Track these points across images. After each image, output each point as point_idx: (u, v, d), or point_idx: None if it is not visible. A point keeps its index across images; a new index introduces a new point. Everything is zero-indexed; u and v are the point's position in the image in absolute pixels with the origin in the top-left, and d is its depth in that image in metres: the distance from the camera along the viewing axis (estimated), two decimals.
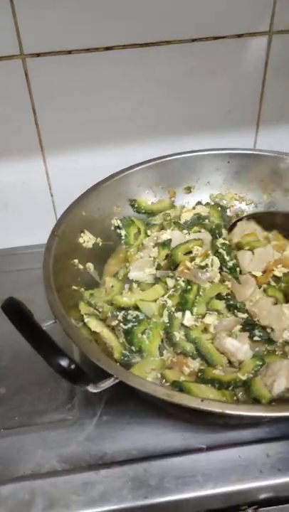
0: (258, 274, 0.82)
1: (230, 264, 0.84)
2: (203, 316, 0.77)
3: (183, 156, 1.01)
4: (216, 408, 0.56)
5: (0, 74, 0.95)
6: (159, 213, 1.00)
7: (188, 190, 1.04)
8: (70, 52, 0.98)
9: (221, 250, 0.85)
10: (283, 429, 0.75)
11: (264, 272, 0.83)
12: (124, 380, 0.60)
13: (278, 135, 1.18)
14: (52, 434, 0.77)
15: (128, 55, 1.00)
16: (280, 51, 1.05)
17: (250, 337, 0.76)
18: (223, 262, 0.84)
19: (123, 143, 1.12)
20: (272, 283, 0.81)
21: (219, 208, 1.00)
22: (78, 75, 1.01)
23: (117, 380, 0.60)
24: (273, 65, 1.07)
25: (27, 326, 0.59)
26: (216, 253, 0.85)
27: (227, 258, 0.84)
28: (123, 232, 0.96)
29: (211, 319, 0.75)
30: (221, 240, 0.88)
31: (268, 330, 0.77)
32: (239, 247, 0.89)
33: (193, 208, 0.99)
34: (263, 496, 0.72)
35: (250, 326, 0.77)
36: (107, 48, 1.00)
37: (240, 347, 0.73)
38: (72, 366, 0.54)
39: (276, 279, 0.81)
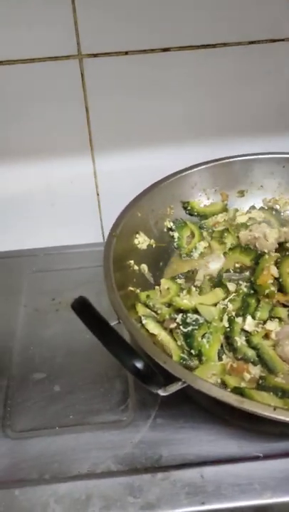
0: None
1: None
2: (265, 322, 0.76)
3: (238, 159, 1.00)
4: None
5: (56, 74, 0.96)
6: (212, 216, 0.99)
7: (242, 193, 1.03)
8: (126, 53, 0.98)
9: None
10: None
11: None
12: (191, 383, 0.59)
13: None
14: (106, 434, 0.77)
15: (185, 57, 1.00)
16: None
17: None
18: None
19: (174, 144, 1.12)
20: None
21: (274, 212, 0.98)
22: (133, 75, 1.01)
23: (185, 384, 0.60)
24: None
25: (99, 325, 0.59)
26: None
27: None
28: (176, 235, 0.95)
29: (273, 325, 0.75)
30: None
31: None
32: None
33: (248, 212, 0.98)
34: None
35: None
36: (164, 50, 0.99)
37: None
38: (147, 368, 0.54)
39: None
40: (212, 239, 0.94)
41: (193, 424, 0.78)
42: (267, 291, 0.80)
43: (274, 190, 1.03)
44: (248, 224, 0.95)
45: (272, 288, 0.80)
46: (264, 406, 0.56)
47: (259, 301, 0.80)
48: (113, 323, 0.69)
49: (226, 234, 0.93)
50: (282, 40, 1.01)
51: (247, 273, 0.82)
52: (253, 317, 0.77)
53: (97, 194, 1.19)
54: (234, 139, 1.12)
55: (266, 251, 0.88)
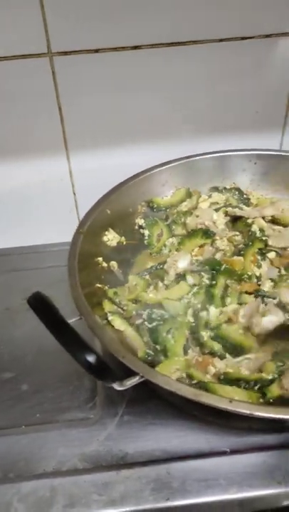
0: (272, 256, 0.85)
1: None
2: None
3: (209, 156, 1.00)
4: (245, 409, 0.55)
5: (27, 72, 0.95)
6: (177, 206, 0.99)
7: (214, 190, 1.02)
8: (97, 50, 0.98)
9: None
10: None
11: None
12: (149, 378, 0.59)
13: None
14: (73, 432, 0.76)
15: (155, 55, 1.00)
16: None
17: None
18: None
19: (148, 142, 1.12)
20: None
21: (237, 193, 0.99)
22: (105, 73, 1.01)
23: (142, 379, 0.60)
24: None
25: (53, 320, 0.59)
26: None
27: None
28: (146, 232, 0.95)
29: (232, 307, 0.75)
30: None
31: None
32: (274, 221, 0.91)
33: (209, 197, 0.98)
34: (286, 503, 0.70)
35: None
36: (135, 47, 0.99)
37: (278, 318, 0.72)
38: (99, 362, 0.54)
39: None
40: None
41: (161, 420, 0.77)
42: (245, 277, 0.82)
43: (246, 187, 1.03)
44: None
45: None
46: (220, 399, 0.56)
47: (226, 289, 0.81)
48: (74, 319, 0.69)
49: (174, 226, 0.93)
50: (252, 37, 1.02)
51: (206, 267, 0.81)
52: (223, 304, 0.77)
53: (74, 193, 1.19)
54: (208, 136, 1.12)
55: (218, 238, 0.88)
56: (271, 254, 0.86)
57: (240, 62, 1.04)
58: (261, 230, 0.88)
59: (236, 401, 0.55)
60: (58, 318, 0.59)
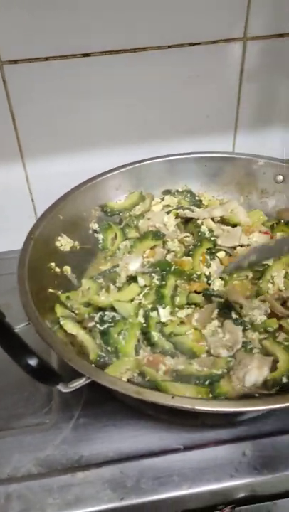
0: (222, 255, 0.88)
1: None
2: (181, 308, 0.79)
3: (160, 160, 1.02)
4: (187, 404, 0.56)
5: None
6: (131, 210, 1.00)
7: (167, 193, 1.04)
8: (46, 59, 0.99)
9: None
10: (260, 427, 0.75)
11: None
12: (95, 379, 0.60)
13: (256, 138, 1.20)
14: (28, 438, 0.76)
15: (105, 62, 1.01)
16: (255, 57, 1.07)
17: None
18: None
19: (103, 147, 1.13)
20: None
21: (188, 195, 1.01)
22: (56, 81, 1.02)
23: (89, 380, 0.60)
24: (249, 70, 1.09)
25: None
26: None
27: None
28: (100, 236, 0.96)
29: (184, 313, 0.77)
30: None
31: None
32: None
33: (162, 199, 1.00)
34: (239, 495, 0.71)
35: (226, 308, 0.79)
36: (85, 55, 1.01)
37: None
38: (41, 365, 0.54)
39: None
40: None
41: (116, 422, 0.78)
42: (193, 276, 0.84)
43: (198, 189, 1.05)
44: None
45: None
46: (162, 395, 0.57)
47: (175, 289, 0.82)
48: (23, 324, 0.69)
49: (127, 230, 0.94)
50: (200, 43, 1.04)
51: (157, 268, 0.83)
52: (172, 304, 0.78)
53: (32, 200, 1.19)
54: (161, 141, 1.14)
55: (169, 239, 0.90)
56: (221, 254, 0.89)
57: (189, 67, 1.07)
58: (210, 231, 0.90)
59: (179, 397, 0.57)
60: (2, 324, 0.59)
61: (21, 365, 0.54)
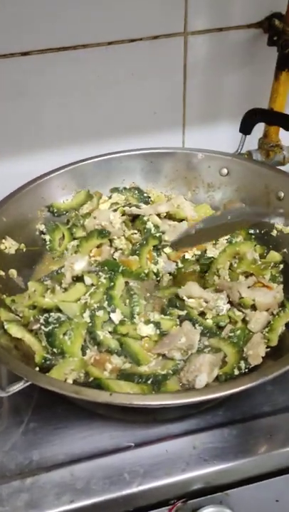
0: (168, 251, 0.88)
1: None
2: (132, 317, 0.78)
3: (106, 157, 1.01)
4: (124, 400, 0.55)
5: None
6: (79, 209, 0.99)
7: (115, 191, 1.04)
8: None
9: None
10: (209, 420, 0.75)
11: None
12: (33, 381, 0.59)
13: (204, 133, 1.21)
14: None
15: (46, 60, 1.00)
16: (197, 51, 1.08)
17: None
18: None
19: (48, 147, 1.12)
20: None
21: (136, 192, 1.01)
22: None
23: (27, 383, 0.60)
24: (191, 65, 1.10)
25: None
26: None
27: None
28: (47, 238, 0.95)
29: (147, 330, 0.76)
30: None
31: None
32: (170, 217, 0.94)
33: (110, 198, 0.99)
34: (191, 488, 0.72)
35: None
36: (24, 54, 0.99)
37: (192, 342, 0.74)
38: None
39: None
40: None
41: (67, 423, 0.77)
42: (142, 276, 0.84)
43: (146, 186, 1.05)
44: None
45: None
46: (100, 393, 0.57)
47: (128, 292, 0.82)
48: None
49: (74, 229, 0.94)
50: (140, 39, 1.04)
51: (105, 268, 0.82)
52: (124, 305, 0.78)
53: None
54: (107, 139, 1.14)
55: (116, 237, 0.90)
56: (167, 250, 0.89)
57: (131, 64, 1.07)
58: (156, 227, 0.90)
59: (116, 393, 0.56)
60: None
61: None
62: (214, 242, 0.89)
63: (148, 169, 1.04)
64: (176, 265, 0.87)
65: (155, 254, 0.87)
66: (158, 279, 0.86)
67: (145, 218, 0.90)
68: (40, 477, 0.71)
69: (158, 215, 0.92)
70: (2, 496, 0.69)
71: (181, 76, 1.12)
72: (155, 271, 0.86)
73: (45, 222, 0.96)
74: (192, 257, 0.89)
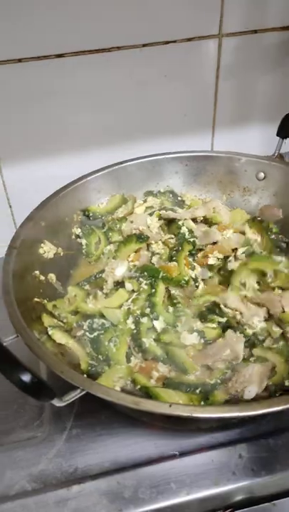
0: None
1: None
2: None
3: (141, 160, 1.01)
4: (184, 412, 0.55)
5: None
6: (113, 213, 0.98)
7: (149, 194, 1.03)
8: (20, 60, 0.97)
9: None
10: (254, 429, 0.75)
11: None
12: (89, 390, 0.58)
13: (234, 136, 1.20)
14: (20, 453, 0.74)
15: (80, 62, 1.00)
16: (231, 54, 1.07)
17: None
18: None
19: (81, 150, 1.11)
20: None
21: (171, 195, 1.01)
22: (30, 83, 0.99)
23: (83, 392, 0.59)
24: (225, 67, 1.09)
25: None
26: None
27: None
28: (84, 242, 0.94)
29: (191, 339, 0.74)
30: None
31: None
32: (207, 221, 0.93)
33: (145, 201, 0.98)
34: (237, 498, 0.71)
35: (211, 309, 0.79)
36: (59, 56, 0.99)
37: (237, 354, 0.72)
38: (35, 380, 0.52)
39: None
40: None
41: (110, 430, 0.76)
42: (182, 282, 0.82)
43: (180, 189, 1.04)
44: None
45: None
46: (159, 404, 0.56)
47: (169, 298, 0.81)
48: (12, 337, 0.67)
49: (110, 233, 0.93)
50: (174, 41, 1.03)
51: (144, 273, 0.81)
52: (167, 312, 0.77)
53: (10, 206, 1.16)
54: (139, 141, 1.13)
55: (153, 242, 0.89)
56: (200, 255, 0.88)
57: (165, 66, 1.06)
58: (190, 231, 0.88)
59: (176, 404, 0.56)
60: None
61: (14, 381, 0.52)
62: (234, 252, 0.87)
63: (183, 172, 1.03)
64: (210, 271, 0.86)
65: (191, 259, 0.86)
66: (196, 285, 0.85)
67: (180, 223, 0.89)
68: (86, 485, 0.70)
69: (194, 219, 0.91)
70: (49, 505, 0.68)
71: (214, 78, 1.11)
72: (193, 276, 0.85)
73: (81, 226, 0.95)
74: (217, 261, 0.87)
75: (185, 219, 0.92)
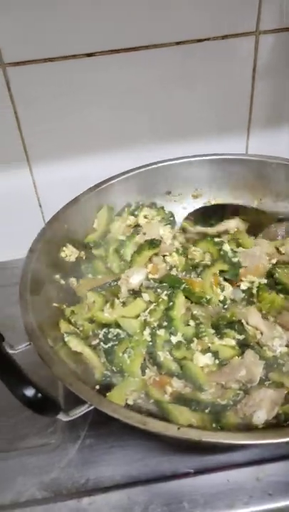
0: None
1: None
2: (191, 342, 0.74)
3: (167, 163, 0.98)
4: (193, 436, 0.52)
5: None
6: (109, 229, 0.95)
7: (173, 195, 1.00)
8: (50, 59, 0.96)
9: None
10: (273, 450, 0.71)
11: None
12: (97, 406, 0.57)
13: (270, 138, 1.14)
14: (32, 459, 0.74)
15: (111, 61, 0.98)
16: (268, 52, 1.02)
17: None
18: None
19: (110, 150, 1.10)
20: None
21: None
22: (61, 82, 0.98)
23: (91, 407, 0.57)
24: (261, 66, 1.04)
25: None
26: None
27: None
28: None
29: (204, 360, 0.71)
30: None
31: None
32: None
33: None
34: None
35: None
36: (89, 55, 0.97)
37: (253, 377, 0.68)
38: (38, 396, 0.51)
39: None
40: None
41: (123, 443, 0.75)
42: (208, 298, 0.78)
43: (208, 192, 1.01)
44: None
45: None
46: (168, 426, 0.54)
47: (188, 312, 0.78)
48: (24, 345, 0.66)
49: (127, 243, 0.90)
50: (208, 39, 0.99)
51: (164, 284, 0.78)
52: (184, 327, 0.74)
53: (40, 205, 1.16)
54: (168, 143, 1.10)
55: (168, 253, 0.85)
56: None
57: (197, 65, 1.02)
58: (233, 252, 0.84)
59: (184, 428, 0.53)
60: None
61: (17, 395, 0.51)
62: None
63: (213, 176, 0.99)
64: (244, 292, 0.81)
65: (221, 278, 0.82)
66: (225, 306, 0.80)
67: (217, 240, 0.85)
68: (96, 498, 0.69)
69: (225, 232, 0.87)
70: None
71: (250, 78, 1.06)
72: (221, 298, 0.80)
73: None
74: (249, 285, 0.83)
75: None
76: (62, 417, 0.57)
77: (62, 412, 0.57)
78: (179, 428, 0.53)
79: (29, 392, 0.51)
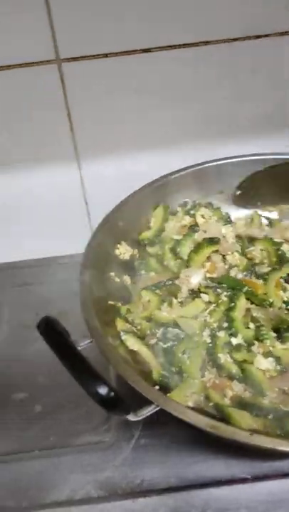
0: None
1: None
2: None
3: (221, 162, 0.96)
4: (267, 444, 0.51)
5: (35, 80, 0.93)
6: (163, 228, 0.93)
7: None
8: (106, 55, 0.95)
9: None
10: None
11: None
12: (165, 407, 0.56)
13: None
14: (87, 456, 0.73)
15: (166, 57, 0.96)
16: None
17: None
18: None
19: (160, 149, 1.08)
20: None
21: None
22: (115, 78, 0.97)
23: (157, 408, 0.56)
24: None
25: (63, 348, 0.56)
26: None
27: None
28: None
29: (266, 364, 0.69)
30: None
31: None
32: None
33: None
34: None
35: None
36: (145, 50, 0.96)
37: None
38: (112, 394, 0.50)
39: None
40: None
41: (178, 444, 0.74)
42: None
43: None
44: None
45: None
46: (239, 432, 0.52)
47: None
48: (87, 341, 0.65)
49: (183, 242, 0.87)
50: (267, 35, 0.97)
51: (223, 284, 0.77)
52: (245, 328, 0.72)
53: (86, 202, 1.16)
54: (223, 140, 1.08)
55: (230, 253, 0.84)
56: None
57: (252, 61, 1.00)
58: None
59: (257, 434, 0.52)
60: (68, 346, 0.55)
61: (90, 393, 0.50)
62: None
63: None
64: None
65: (282, 280, 0.80)
66: (288, 307, 0.78)
67: (276, 240, 0.84)
68: (152, 499, 0.68)
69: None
70: None
71: None
72: (285, 299, 0.78)
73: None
74: None
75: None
76: (131, 417, 0.56)
77: (132, 412, 0.56)
78: (251, 434, 0.51)
79: (102, 390, 0.50)
